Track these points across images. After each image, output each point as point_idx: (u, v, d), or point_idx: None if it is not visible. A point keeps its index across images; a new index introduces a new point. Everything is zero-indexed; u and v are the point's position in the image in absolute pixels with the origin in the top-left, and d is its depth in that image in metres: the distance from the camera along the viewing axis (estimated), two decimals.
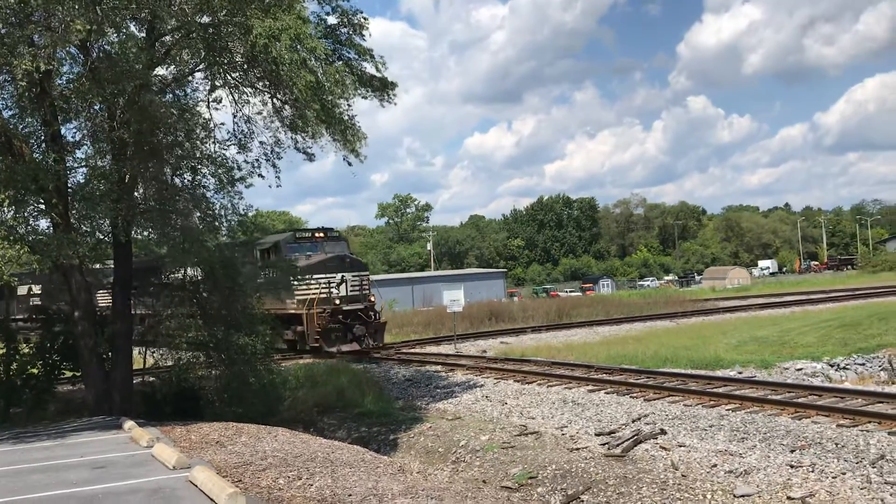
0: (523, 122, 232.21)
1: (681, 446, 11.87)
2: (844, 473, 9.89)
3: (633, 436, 12.58)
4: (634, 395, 15.81)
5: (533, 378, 18.65)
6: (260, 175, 16.16)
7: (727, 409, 13.78)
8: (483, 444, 13.79)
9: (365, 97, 17.41)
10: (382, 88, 17.41)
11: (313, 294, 25.52)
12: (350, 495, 7.93)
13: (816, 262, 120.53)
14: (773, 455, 10.94)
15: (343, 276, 26.36)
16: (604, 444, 12.65)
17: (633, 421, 13.71)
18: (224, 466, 9.49)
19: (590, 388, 16.93)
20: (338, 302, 25.93)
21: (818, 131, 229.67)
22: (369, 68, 17.01)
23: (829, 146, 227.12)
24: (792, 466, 10.37)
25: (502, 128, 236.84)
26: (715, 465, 10.81)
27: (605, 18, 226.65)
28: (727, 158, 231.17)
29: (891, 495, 9.00)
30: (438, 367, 22.40)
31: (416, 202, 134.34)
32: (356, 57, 17.08)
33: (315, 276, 25.34)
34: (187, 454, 10.20)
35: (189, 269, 16.74)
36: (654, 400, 15.15)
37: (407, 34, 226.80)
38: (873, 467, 9.99)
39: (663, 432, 12.68)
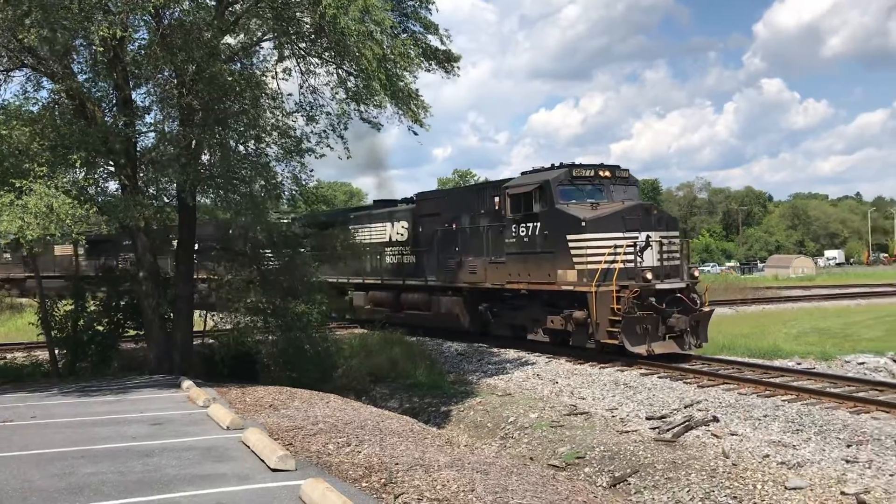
0: (591, 100, 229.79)
1: (733, 435, 11.71)
2: None
3: (685, 421, 12.46)
4: (688, 380, 15.62)
5: (585, 359, 18.56)
6: (329, 146, 16.32)
7: (783, 400, 13.52)
8: (532, 422, 13.82)
9: (429, 70, 17.37)
10: (447, 61, 17.35)
11: (600, 261, 17.37)
12: (397, 464, 8.04)
13: (886, 255, 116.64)
14: (829, 449, 10.72)
15: (649, 237, 17.85)
16: (654, 429, 12.56)
17: (686, 407, 13.56)
18: (276, 429, 9.71)
19: (642, 371, 16.79)
20: (649, 277, 17.32)
21: None
22: (434, 41, 16.96)
23: None
24: (847, 461, 10.16)
25: (569, 105, 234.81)
26: (767, 456, 10.65)
27: None
28: (799, 144, 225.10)
29: None
30: (490, 342, 22.41)
31: (475, 177, 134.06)
32: (421, 30, 17.03)
33: (602, 235, 17.64)
34: (241, 416, 10.47)
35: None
36: (708, 387, 14.95)
37: (476, 7, 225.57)
38: None
39: (716, 419, 12.52)
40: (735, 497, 9.65)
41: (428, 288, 23.84)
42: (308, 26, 14.93)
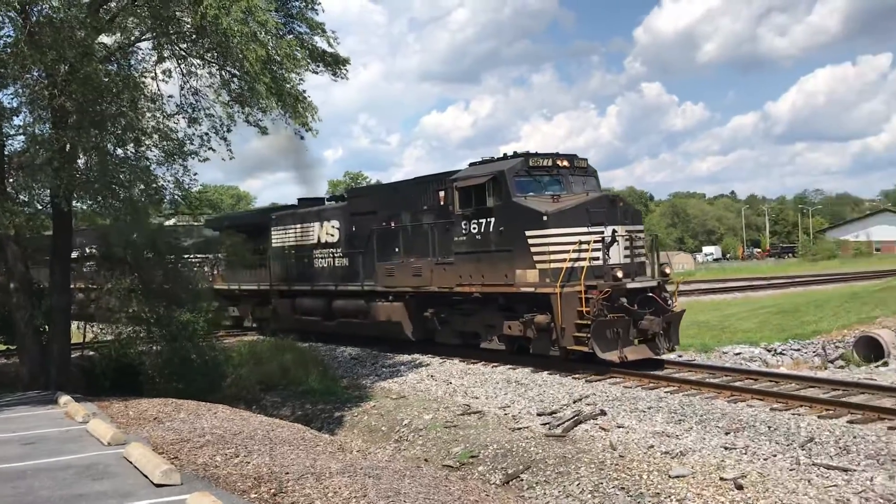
0: (481, 103, 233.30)
1: (620, 427, 12.08)
2: (775, 455, 10.17)
3: (574, 416, 12.77)
4: (576, 375, 16.00)
5: (478, 358, 18.74)
6: (211, 149, 15.87)
7: (666, 392, 14.05)
8: (426, 423, 13.86)
9: (316, 72, 17.17)
10: (334, 64, 17.19)
11: (565, 259, 15.72)
12: (287, 473, 7.90)
13: (759, 250, 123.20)
14: (709, 437, 11.20)
15: (615, 232, 16.21)
16: (545, 424, 12.81)
17: (575, 402, 13.91)
18: (161, 443, 9.37)
19: (532, 368, 17.09)
20: (620, 275, 15.69)
21: (769, 121, 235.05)
22: (321, 43, 16.78)
23: (779, 135, 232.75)
24: (726, 448, 10.63)
25: (459, 107, 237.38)
26: (652, 446, 11.03)
27: (566, 1, 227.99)
28: (678, 145, 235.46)
29: (817, 476, 9.29)
30: (384, 346, 22.29)
31: (367, 179, 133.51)
32: (308, 31, 16.82)
33: (565, 230, 15.95)
34: (124, 430, 10.06)
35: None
36: (596, 381, 15.37)
37: (366, 9, 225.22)
38: (802, 449, 10.29)
39: (603, 413, 12.88)
40: (622, 488, 9.94)
41: (364, 294, 21.66)
42: (189, 26, 14.49)
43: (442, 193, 18.81)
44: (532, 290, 16.24)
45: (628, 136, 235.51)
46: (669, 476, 9.90)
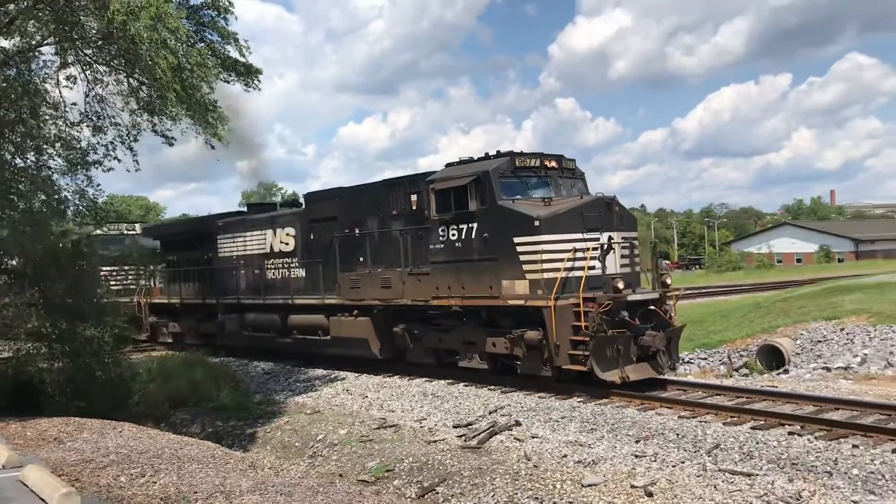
0: (398, 115, 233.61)
1: (534, 437, 12.19)
2: (683, 462, 10.44)
3: (489, 427, 12.82)
4: (492, 387, 16.09)
5: (395, 371, 18.63)
6: (116, 158, 15.37)
7: (578, 401, 14.26)
8: (341, 438, 13.70)
9: (228, 81, 16.88)
10: (247, 74, 16.93)
11: (559, 269, 14.32)
12: (196, 492, 7.66)
13: (668, 261, 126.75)
14: (620, 445, 11.41)
15: (611, 238, 15.00)
16: (461, 436, 12.82)
17: (490, 413, 13.98)
18: (61, 464, 8.97)
19: (449, 380, 17.10)
20: (621, 286, 14.47)
21: (677, 136, 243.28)
22: (233, 52, 16.50)
23: (686, 151, 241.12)
24: (636, 456, 10.85)
25: (377, 119, 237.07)
26: (565, 456, 11.16)
27: (483, 16, 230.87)
28: (591, 159, 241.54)
29: (723, 481, 9.56)
30: (299, 361, 21.94)
31: (282, 191, 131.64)
32: (220, 40, 16.53)
33: (560, 236, 14.61)
34: (21, 452, 9.59)
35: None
36: (511, 392, 15.49)
37: (282, 18, 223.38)
38: (709, 456, 10.61)
39: (518, 424, 12.98)
40: (537, 498, 10.01)
41: (325, 307, 19.85)
42: (95, 32, 14.04)
43: (414, 197, 17.35)
44: (522, 302, 14.83)
45: (543, 150, 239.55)
46: (582, 485, 10.03)
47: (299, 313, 20.88)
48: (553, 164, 16.35)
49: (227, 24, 16.20)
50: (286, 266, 21.68)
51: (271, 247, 22.26)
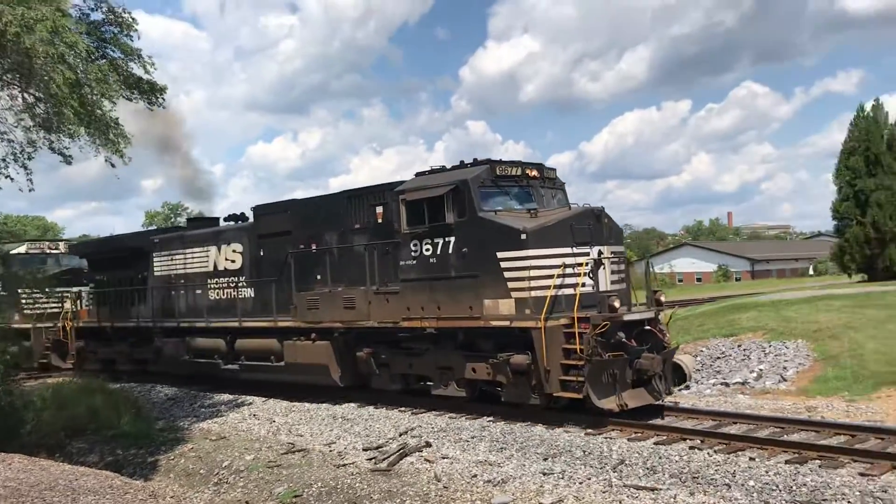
0: (309, 135, 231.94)
1: (444, 458, 12.18)
2: (590, 478, 10.61)
3: (399, 449, 12.75)
4: (402, 408, 16.03)
5: (305, 395, 18.35)
6: (8, 177, 14.73)
7: (489, 421, 14.35)
8: (248, 464, 13.37)
9: (130, 99, 16.41)
10: (150, 91, 16.51)
11: (549, 286, 13.20)
12: None
13: None
14: (528, 463, 11.53)
15: (601, 253, 13.95)
16: (371, 459, 12.70)
17: (401, 434, 13.91)
18: None
19: (359, 403, 16.94)
20: (616, 305, 13.33)
21: (583, 159, 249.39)
22: (137, 69, 16.07)
23: (592, 173, 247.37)
24: (545, 474, 10.97)
25: (287, 138, 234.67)
26: (475, 476, 11.19)
27: (395, 37, 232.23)
28: None
29: (628, 496, 9.76)
30: (205, 386, 21.32)
31: (188, 211, 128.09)
32: (122, 56, 16.08)
33: (548, 251, 13.44)
34: None
35: None
36: (421, 413, 15.47)
37: (189, 35, 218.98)
38: (614, 472, 10.82)
39: (428, 445, 12.95)
40: None
41: (278, 331, 18.31)
42: None
43: (380, 209, 15.96)
44: (507, 323, 13.59)
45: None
46: None
47: (248, 337, 19.34)
48: (535, 173, 15.24)
49: (130, 41, 15.82)
50: (233, 285, 20.07)
51: (215, 265, 20.68)
